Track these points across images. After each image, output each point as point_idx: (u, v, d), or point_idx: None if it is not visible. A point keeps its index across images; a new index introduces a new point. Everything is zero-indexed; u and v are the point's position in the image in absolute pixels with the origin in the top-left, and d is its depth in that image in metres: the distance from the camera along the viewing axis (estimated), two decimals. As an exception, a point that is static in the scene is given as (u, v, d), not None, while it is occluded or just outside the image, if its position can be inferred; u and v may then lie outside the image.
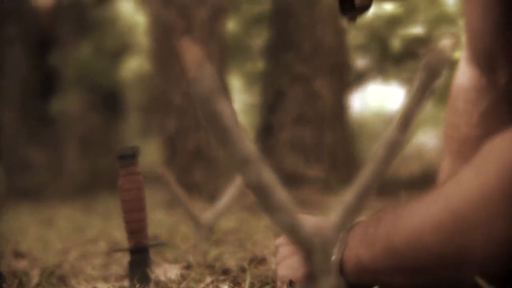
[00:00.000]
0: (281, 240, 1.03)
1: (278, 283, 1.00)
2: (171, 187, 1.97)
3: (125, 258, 1.41)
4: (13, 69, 7.11)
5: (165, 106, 4.38)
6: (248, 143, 0.52)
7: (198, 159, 4.25)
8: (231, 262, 1.41)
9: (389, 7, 5.36)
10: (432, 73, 0.52)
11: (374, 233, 0.85)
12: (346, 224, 0.56)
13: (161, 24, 4.35)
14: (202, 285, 1.18)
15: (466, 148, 1.22)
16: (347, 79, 5.09)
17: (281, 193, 0.54)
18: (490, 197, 0.73)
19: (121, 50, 7.14)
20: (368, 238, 0.86)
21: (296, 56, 4.81)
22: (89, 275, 1.44)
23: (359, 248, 0.87)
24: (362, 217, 0.93)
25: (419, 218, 0.79)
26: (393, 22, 5.48)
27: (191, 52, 0.51)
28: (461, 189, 0.76)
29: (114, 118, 7.40)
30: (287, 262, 0.98)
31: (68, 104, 7.03)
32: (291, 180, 4.16)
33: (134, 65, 6.79)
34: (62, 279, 1.38)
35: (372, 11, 1.00)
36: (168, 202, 3.41)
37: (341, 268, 0.88)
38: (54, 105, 7.03)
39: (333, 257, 0.87)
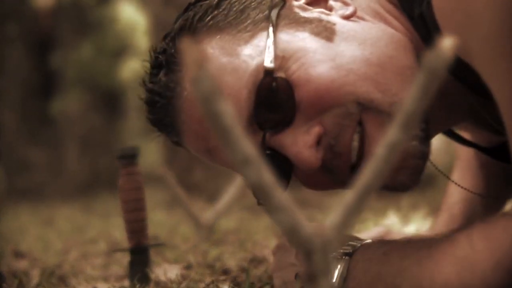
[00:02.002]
0: (278, 247, 1.03)
1: None
2: (171, 187, 1.97)
3: (125, 258, 1.41)
4: (14, 69, 7.11)
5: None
6: (248, 143, 0.52)
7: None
8: (231, 262, 1.41)
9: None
10: (433, 73, 0.52)
11: (378, 272, 0.87)
12: (346, 224, 0.56)
13: (161, 24, 4.35)
14: (202, 285, 1.18)
15: (473, 163, 1.29)
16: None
17: (281, 193, 0.54)
18: (503, 276, 0.77)
19: (121, 50, 7.14)
20: (372, 274, 0.87)
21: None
22: (89, 275, 1.44)
23: (362, 282, 0.88)
24: (367, 240, 0.94)
25: (427, 275, 0.82)
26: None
27: (191, 52, 0.51)
28: (474, 259, 0.79)
29: (114, 118, 7.40)
30: (283, 274, 0.98)
31: (68, 104, 7.02)
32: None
33: (134, 66, 6.78)
34: (62, 279, 1.38)
35: None
36: (168, 202, 3.41)
37: None
38: (54, 106, 7.03)
39: (335, 281, 0.89)
